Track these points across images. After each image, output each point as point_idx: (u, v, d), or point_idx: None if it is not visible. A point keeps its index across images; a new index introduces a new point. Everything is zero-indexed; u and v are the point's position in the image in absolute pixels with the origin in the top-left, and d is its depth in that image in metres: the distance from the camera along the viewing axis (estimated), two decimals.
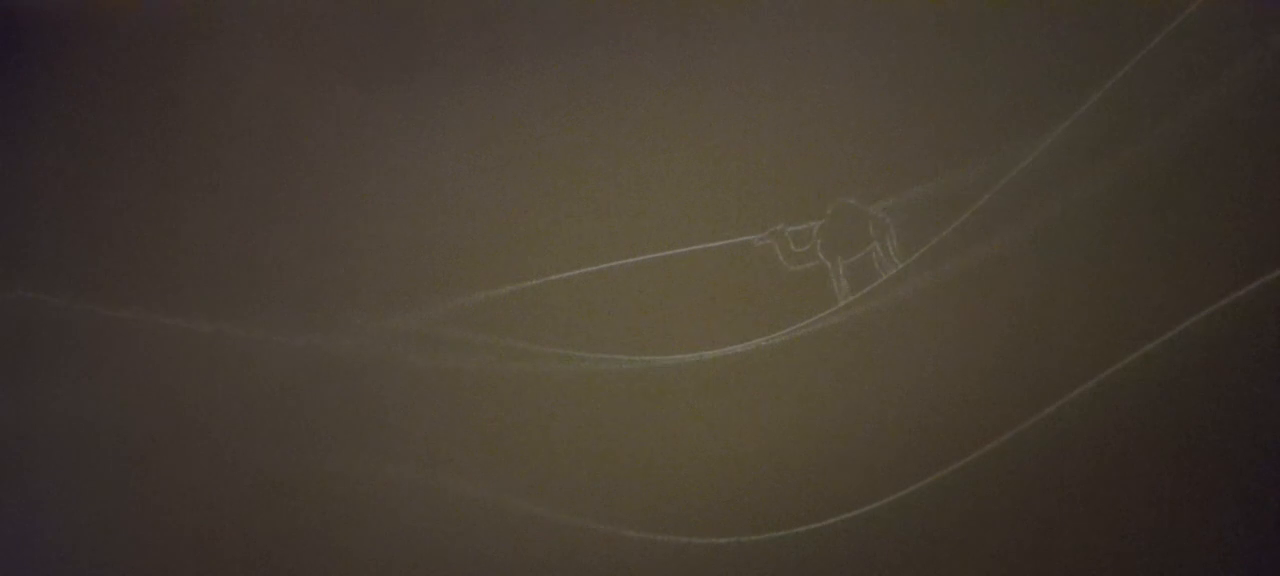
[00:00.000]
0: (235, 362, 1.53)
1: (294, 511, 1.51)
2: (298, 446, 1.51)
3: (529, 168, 1.51)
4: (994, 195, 1.43)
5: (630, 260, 1.49)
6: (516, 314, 1.50)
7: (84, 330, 1.56)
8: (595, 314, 1.48)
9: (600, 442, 1.47)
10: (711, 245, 1.47)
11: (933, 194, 1.44)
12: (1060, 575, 1.39)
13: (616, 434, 1.47)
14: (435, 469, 1.49)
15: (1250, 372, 1.37)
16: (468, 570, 1.48)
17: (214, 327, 1.54)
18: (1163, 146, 1.41)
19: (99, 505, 1.54)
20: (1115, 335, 1.39)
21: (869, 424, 1.42)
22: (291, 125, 1.56)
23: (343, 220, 1.53)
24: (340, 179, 1.54)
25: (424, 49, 1.55)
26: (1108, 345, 1.39)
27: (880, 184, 1.45)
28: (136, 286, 1.56)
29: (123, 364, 1.55)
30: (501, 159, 1.52)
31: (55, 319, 1.57)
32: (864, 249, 1.45)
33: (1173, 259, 1.40)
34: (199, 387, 1.54)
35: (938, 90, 1.45)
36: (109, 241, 1.58)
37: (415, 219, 1.52)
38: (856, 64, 1.47)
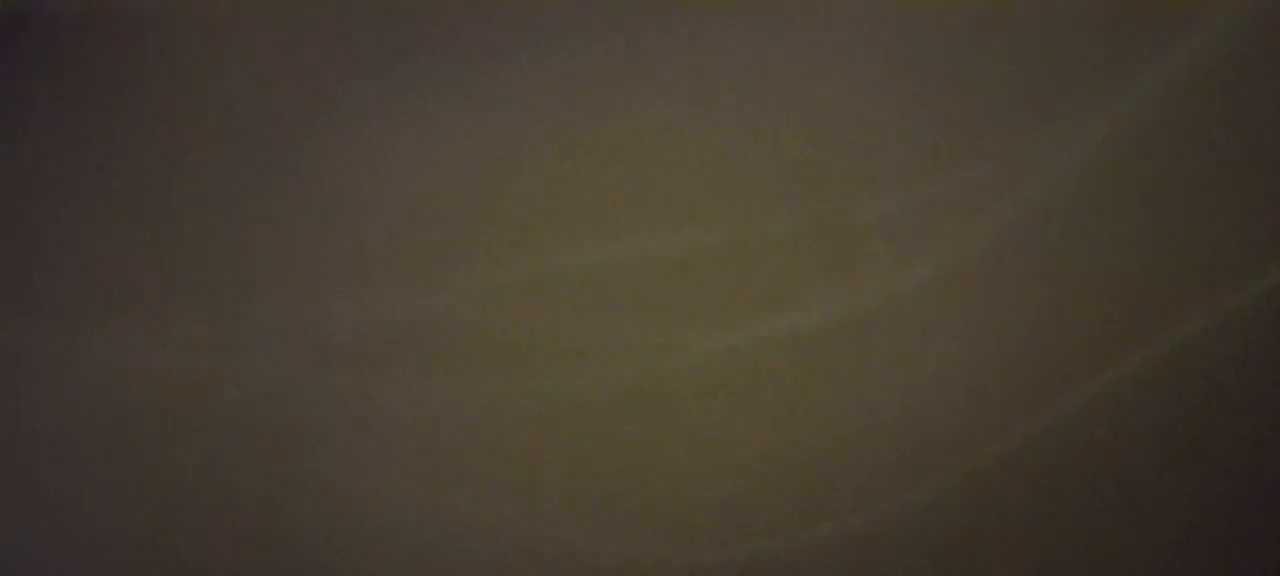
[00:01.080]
0: (224, 362, 1.53)
1: (289, 520, 1.50)
2: (290, 451, 1.51)
3: (529, 158, 1.51)
4: (1008, 192, 1.43)
5: (635, 251, 1.48)
6: (517, 304, 1.50)
7: (64, 333, 1.56)
8: (594, 308, 1.48)
9: (601, 444, 1.47)
10: (711, 238, 1.47)
11: (941, 189, 1.44)
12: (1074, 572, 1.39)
13: (619, 433, 1.47)
14: (432, 475, 1.49)
15: (1256, 369, 1.38)
16: None
17: (204, 323, 1.54)
18: (1172, 146, 1.42)
19: (80, 522, 1.54)
20: (1126, 331, 1.40)
21: (875, 423, 1.42)
22: (287, 110, 1.56)
23: (339, 210, 1.53)
24: (334, 169, 1.54)
25: (427, 34, 1.55)
26: (1118, 340, 1.40)
27: (886, 178, 1.46)
28: (123, 286, 1.56)
29: (106, 370, 1.55)
30: (502, 149, 1.52)
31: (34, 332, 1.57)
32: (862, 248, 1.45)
33: (1179, 257, 1.40)
34: (185, 390, 1.53)
35: (949, 85, 1.46)
36: (94, 245, 1.57)
37: (408, 208, 1.52)
38: (864, 58, 1.47)
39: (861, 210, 1.46)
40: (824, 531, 1.42)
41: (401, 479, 1.49)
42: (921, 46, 1.46)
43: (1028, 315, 1.41)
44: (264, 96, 1.57)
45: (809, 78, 1.47)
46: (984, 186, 1.44)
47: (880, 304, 1.44)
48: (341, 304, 1.52)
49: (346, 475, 1.50)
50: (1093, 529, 1.39)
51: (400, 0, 1.56)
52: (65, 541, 1.54)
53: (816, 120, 1.47)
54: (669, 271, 1.48)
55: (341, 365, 1.52)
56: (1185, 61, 1.42)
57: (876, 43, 1.47)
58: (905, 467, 1.41)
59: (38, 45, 1.61)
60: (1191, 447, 1.38)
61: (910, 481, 1.41)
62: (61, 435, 1.55)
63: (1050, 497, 1.39)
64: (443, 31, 1.55)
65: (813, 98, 1.47)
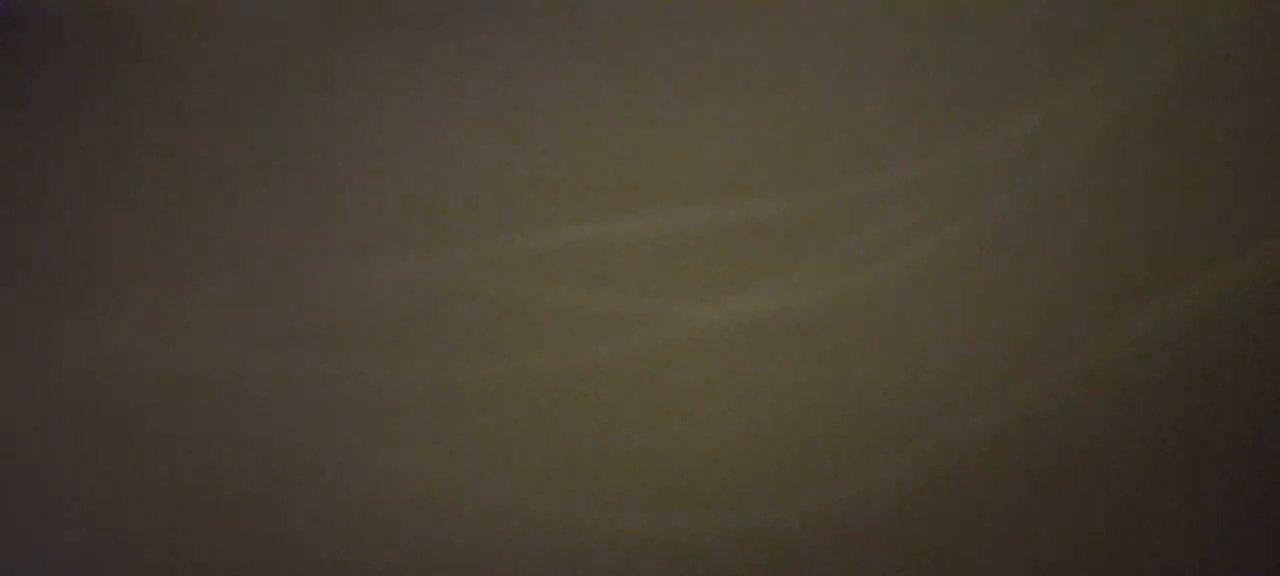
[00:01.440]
0: (225, 350, 1.52)
1: (287, 506, 1.50)
2: (288, 436, 1.50)
3: (534, 124, 1.51)
4: (1005, 179, 1.44)
5: (632, 228, 1.48)
6: (513, 283, 1.49)
7: (61, 327, 1.55)
8: (589, 285, 1.48)
9: (594, 419, 1.46)
10: (707, 217, 1.47)
11: (938, 173, 1.45)
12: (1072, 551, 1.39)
13: (614, 407, 1.46)
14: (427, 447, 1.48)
15: (1249, 348, 1.39)
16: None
17: (203, 311, 1.53)
18: (1171, 137, 1.42)
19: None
20: (1117, 313, 1.40)
21: (870, 396, 1.42)
22: (288, 92, 1.56)
23: (338, 195, 1.53)
24: (332, 153, 1.54)
25: (427, 24, 1.55)
26: (1112, 321, 1.40)
27: (883, 162, 1.46)
28: (120, 277, 1.55)
29: (106, 362, 1.54)
30: (509, 115, 1.52)
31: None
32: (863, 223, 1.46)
33: (1172, 241, 1.41)
34: (186, 379, 1.52)
35: (947, 70, 1.46)
36: (90, 235, 1.57)
37: (405, 193, 1.52)
38: (864, 46, 1.48)
39: (857, 192, 1.46)
40: (815, 502, 1.42)
41: (396, 457, 1.49)
42: (921, 32, 1.47)
43: (1025, 295, 1.42)
44: (264, 77, 1.56)
45: (808, 60, 1.48)
46: (981, 173, 1.44)
47: (878, 282, 1.44)
48: (339, 289, 1.52)
49: (344, 457, 1.49)
50: (1088, 502, 1.39)
51: None
52: (57, 535, 1.53)
53: (814, 103, 1.48)
54: (665, 248, 1.48)
55: (338, 349, 1.51)
56: (1184, 57, 1.43)
57: (875, 28, 1.47)
58: (899, 440, 1.41)
59: (36, 39, 1.60)
60: (1186, 424, 1.39)
61: (905, 453, 1.41)
62: (54, 427, 1.55)
63: (1044, 472, 1.40)
64: (443, 22, 1.55)
65: (812, 78, 1.48)
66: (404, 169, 1.53)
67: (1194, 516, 1.38)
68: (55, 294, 1.56)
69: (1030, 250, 1.43)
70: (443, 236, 1.51)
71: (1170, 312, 1.40)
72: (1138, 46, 1.44)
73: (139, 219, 1.57)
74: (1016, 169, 1.44)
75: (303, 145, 1.55)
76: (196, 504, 1.51)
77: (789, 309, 1.45)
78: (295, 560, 1.48)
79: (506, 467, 1.46)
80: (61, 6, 1.60)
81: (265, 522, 1.49)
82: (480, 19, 1.54)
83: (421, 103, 1.54)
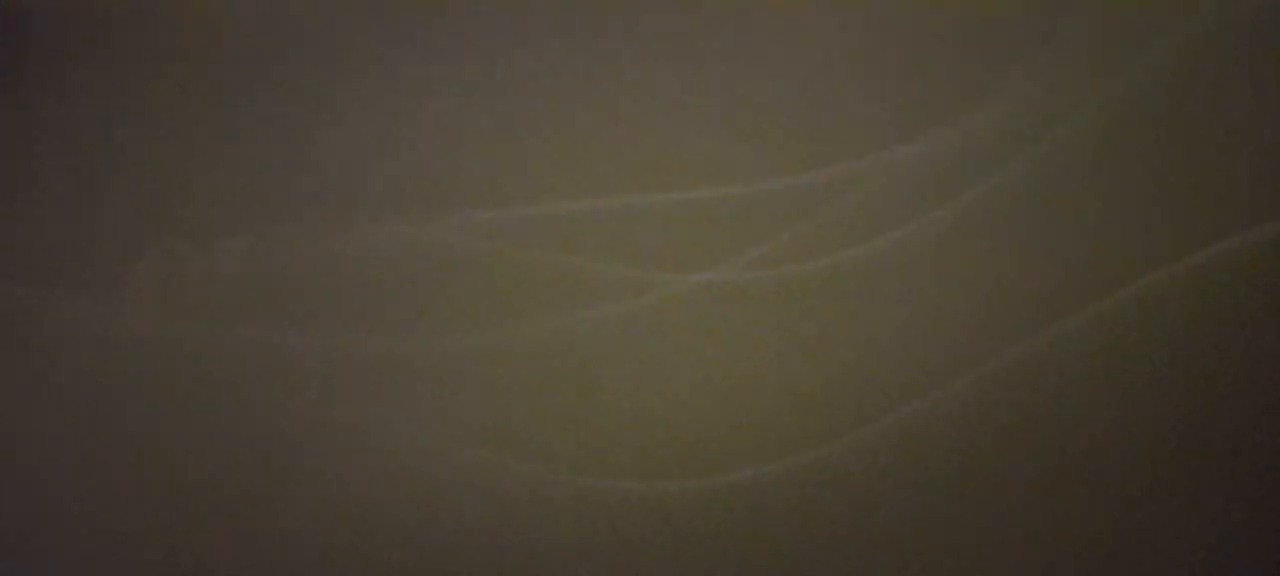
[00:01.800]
0: (224, 323, 1.52)
1: (285, 486, 1.50)
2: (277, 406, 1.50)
3: (533, 96, 1.51)
4: (987, 162, 1.44)
5: (622, 202, 1.49)
6: (514, 240, 1.49)
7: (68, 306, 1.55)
8: (586, 256, 1.48)
9: (573, 382, 1.46)
10: (696, 190, 1.48)
11: (923, 154, 1.45)
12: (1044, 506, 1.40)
13: (594, 371, 1.46)
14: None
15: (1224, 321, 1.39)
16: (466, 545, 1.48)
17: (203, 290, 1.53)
18: (1162, 113, 1.42)
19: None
20: (1111, 292, 1.40)
21: (842, 363, 1.43)
22: (295, 76, 1.56)
23: (337, 174, 1.53)
24: (337, 139, 1.54)
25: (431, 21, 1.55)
26: (1104, 300, 1.41)
27: (866, 140, 1.46)
28: (125, 238, 1.56)
29: (111, 340, 1.54)
30: (508, 87, 1.52)
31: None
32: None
33: (1169, 196, 1.41)
34: (188, 355, 1.53)
35: (938, 53, 1.46)
36: (95, 213, 1.57)
37: (406, 168, 1.52)
38: (864, 18, 1.48)
39: (850, 172, 1.46)
40: (802, 466, 1.42)
41: (396, 425, 1.49)
42: (916, 21, 1.47)
43: (1014, 274, 1.42)
44: (264, 62, 1.56)
45: (807, 50, 1.48)
46: (975, 158, 1.45)
47: (855, 254, 1.45)
48: (336, 265, 1.52)
49: (335, 421, 1.50)
50: (1067, 474, 1.40)
51: None
52: (58, 531, 1.54)
53: (803, 84, 1.48)
54: (653, 221, 1.48)
55: (336, 323, 1.51)
56: (1180, 53, 1.43)
57: (872, 16, 1.47)
58: (867, 405, 1.42)
59: (36, 37, 1.60)
60: (1176, 410, 1.39)
61: (871, 418, 1.42)
62: (55, 404, 1.55)
63: (1023, 441, 1.40)
64: (449, 22, 1.55)
65: (811, 67, 1.48)
66: (402, 145, 1.53)
67: (1183, 496, 1.39)
68: (56, 281, 1.56)
69: (1023, 232, 1.43)
70: (439, 209, 1.51)
71: (1158, 297, 1.40)
72: (1136, 41, 1.44)
73: (138, 205, 1.57)
74: (1010, 156, 1.44)
75: (302, 126, 1.55)
76: (197, 485, 1.51)
77: (777, 278, 1.46)
78: (295, 559, 1.49)
79: (503, 435, 1.47)
80: (61, 5, 1.60)
81: (266, 503, 1.50)
82: (478, 6, 1.54)
83: (420, 82, 1.54)
